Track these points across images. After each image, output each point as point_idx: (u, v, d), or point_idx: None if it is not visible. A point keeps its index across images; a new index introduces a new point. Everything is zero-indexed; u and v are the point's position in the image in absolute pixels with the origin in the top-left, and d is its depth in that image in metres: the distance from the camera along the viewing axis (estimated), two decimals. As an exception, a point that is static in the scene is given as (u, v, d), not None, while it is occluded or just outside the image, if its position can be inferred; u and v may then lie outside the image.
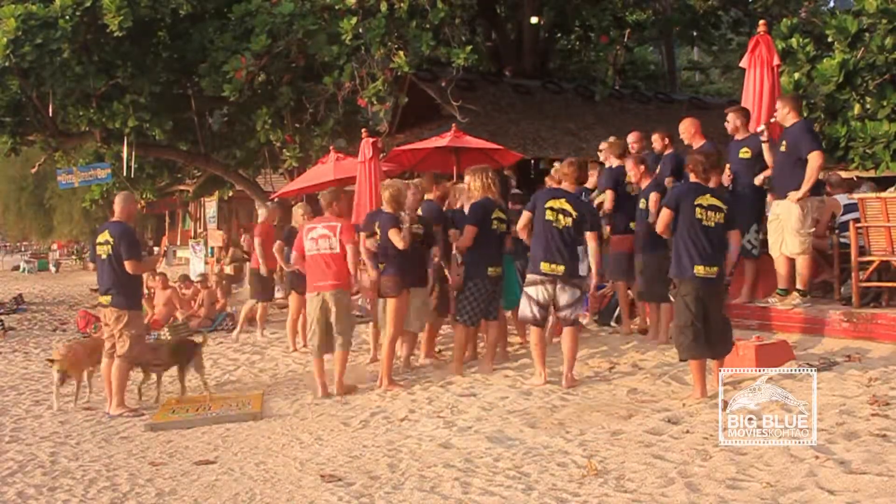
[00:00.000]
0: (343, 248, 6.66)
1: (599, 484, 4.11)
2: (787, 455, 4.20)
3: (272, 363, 8.39)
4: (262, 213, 11.07)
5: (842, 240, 7.14)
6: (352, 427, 5.71)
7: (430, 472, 4.57)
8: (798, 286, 6.83)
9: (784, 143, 6.74)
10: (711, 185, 5.75)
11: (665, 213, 5.70)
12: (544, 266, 6.16)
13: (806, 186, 6.53)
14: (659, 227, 5.81)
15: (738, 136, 7.33)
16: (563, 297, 6.23)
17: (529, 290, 6.32)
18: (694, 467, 4.21)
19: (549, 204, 6.19)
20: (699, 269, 5.45)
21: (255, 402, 6.67)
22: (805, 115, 9.07)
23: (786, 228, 6.66)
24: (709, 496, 3.83)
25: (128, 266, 6.61)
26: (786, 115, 6.74)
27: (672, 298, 5.78)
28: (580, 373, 6.62)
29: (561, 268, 6.13)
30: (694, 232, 5.49)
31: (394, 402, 6.29)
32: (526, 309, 6.35)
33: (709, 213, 5.50)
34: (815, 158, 6.50)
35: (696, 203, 5.51)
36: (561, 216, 6.17)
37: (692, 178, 5.73)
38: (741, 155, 7.24)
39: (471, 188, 7.03)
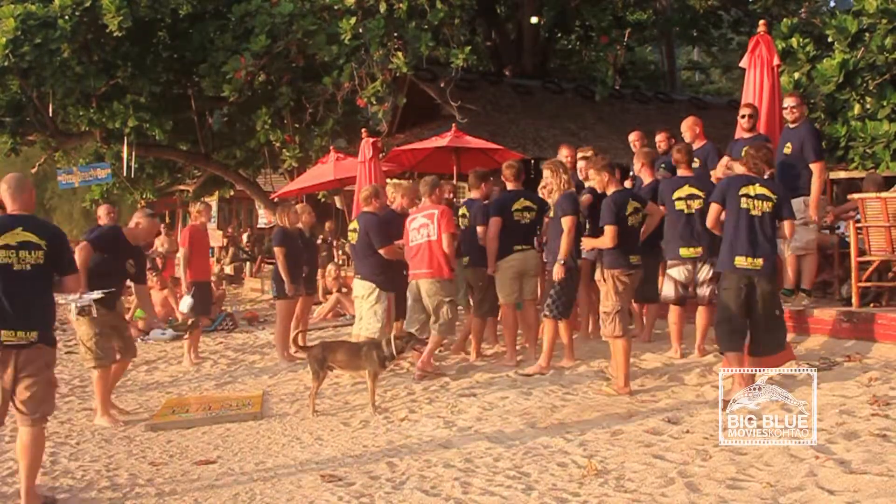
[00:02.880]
0: (440, 236, 6.74)
1: (599, 484, 4.11)
2: (787, 455, 4.20)
3: (272, 363, 8.38)
4: (261, 213, 10.98)
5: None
6: (352, 427, 5.71)
7: (430, 472, 4.57)
8: (803, 286, 6.81)
9: (789, 144, 6.67)
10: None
11: (714, 209, 5.52)
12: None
13: (814, 205, 6.49)
14: (709, 222, 5.61)
15: (747, 135, 7.33)
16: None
17: (671, 271, 6.59)
18: (694, 467, 4.21)
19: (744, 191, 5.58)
20: (739, 260, 5.28)
21: (255, 402, 6.67)
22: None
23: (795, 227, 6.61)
24: (709, 496, 3.83)
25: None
26: (798, 115, 6.70)
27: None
28: (580, 373, 6.63)
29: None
30: (738, 221, 5.32)
31: (393, 402, 6.29)
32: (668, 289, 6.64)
33: (756, 201, 5.34)
34: (818, 170, 6.47)
35: (741, 193, 5.36)
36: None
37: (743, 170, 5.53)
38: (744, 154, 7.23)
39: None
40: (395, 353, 6.21)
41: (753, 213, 5.31)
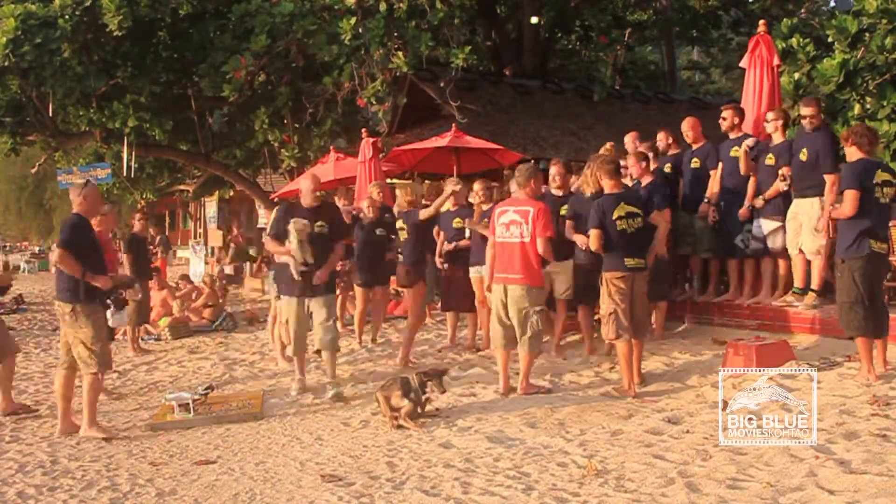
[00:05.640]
0: (534, 238, 5.97)
1: (599, 484, 4.11)
2: (787, 455, 4.20)
3: (272, 363, 8.38)
4: (261, 213, 10.96)
5: None
6: (352, 427, 5.71)
7: (430, 472, 4.58)
8: (813, 286, 6.79)
9: (805, 150, 6.51)
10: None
11: (853, 195, 5.38)
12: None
13: (826, 217, 6.22)
14: (849, 210, 5.40)
15: (732, 135, 7.35)
16: None
17: None
18: (694, 467, 4.21)
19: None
20: (874, 245, 5.35)
21: (255, 402, 6.67)
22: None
23: (804, 227, 6.58)
24: (709, 496, 3.83)
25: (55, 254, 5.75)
26: (811, 118, 6.53)
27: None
28: (579, 373, 6.63)
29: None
30: (871, 208, 5.37)
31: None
32: None
33: (884, 189, 5.40)
34: (832, 182, 6.23)
35: (874, 181, 5.38)
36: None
37: (860, 152, 5.45)
38: (732, 153, 7.25)
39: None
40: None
41: (883, 200, 5.41)
